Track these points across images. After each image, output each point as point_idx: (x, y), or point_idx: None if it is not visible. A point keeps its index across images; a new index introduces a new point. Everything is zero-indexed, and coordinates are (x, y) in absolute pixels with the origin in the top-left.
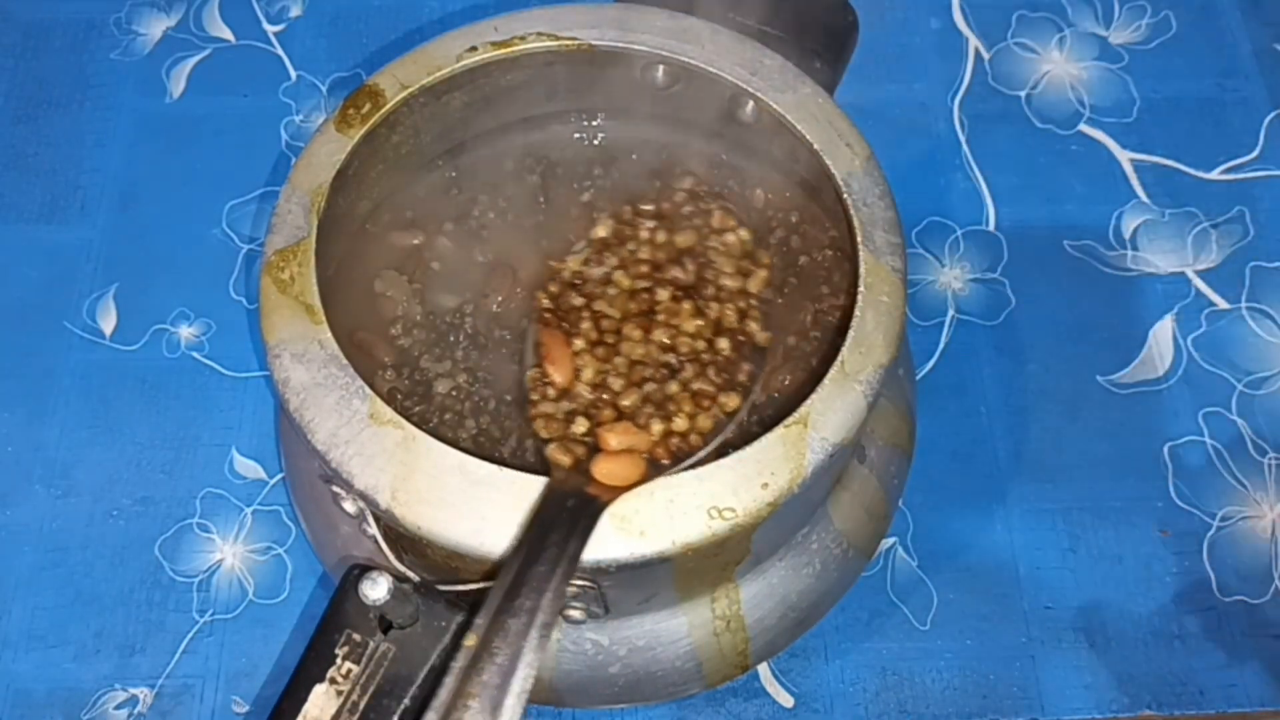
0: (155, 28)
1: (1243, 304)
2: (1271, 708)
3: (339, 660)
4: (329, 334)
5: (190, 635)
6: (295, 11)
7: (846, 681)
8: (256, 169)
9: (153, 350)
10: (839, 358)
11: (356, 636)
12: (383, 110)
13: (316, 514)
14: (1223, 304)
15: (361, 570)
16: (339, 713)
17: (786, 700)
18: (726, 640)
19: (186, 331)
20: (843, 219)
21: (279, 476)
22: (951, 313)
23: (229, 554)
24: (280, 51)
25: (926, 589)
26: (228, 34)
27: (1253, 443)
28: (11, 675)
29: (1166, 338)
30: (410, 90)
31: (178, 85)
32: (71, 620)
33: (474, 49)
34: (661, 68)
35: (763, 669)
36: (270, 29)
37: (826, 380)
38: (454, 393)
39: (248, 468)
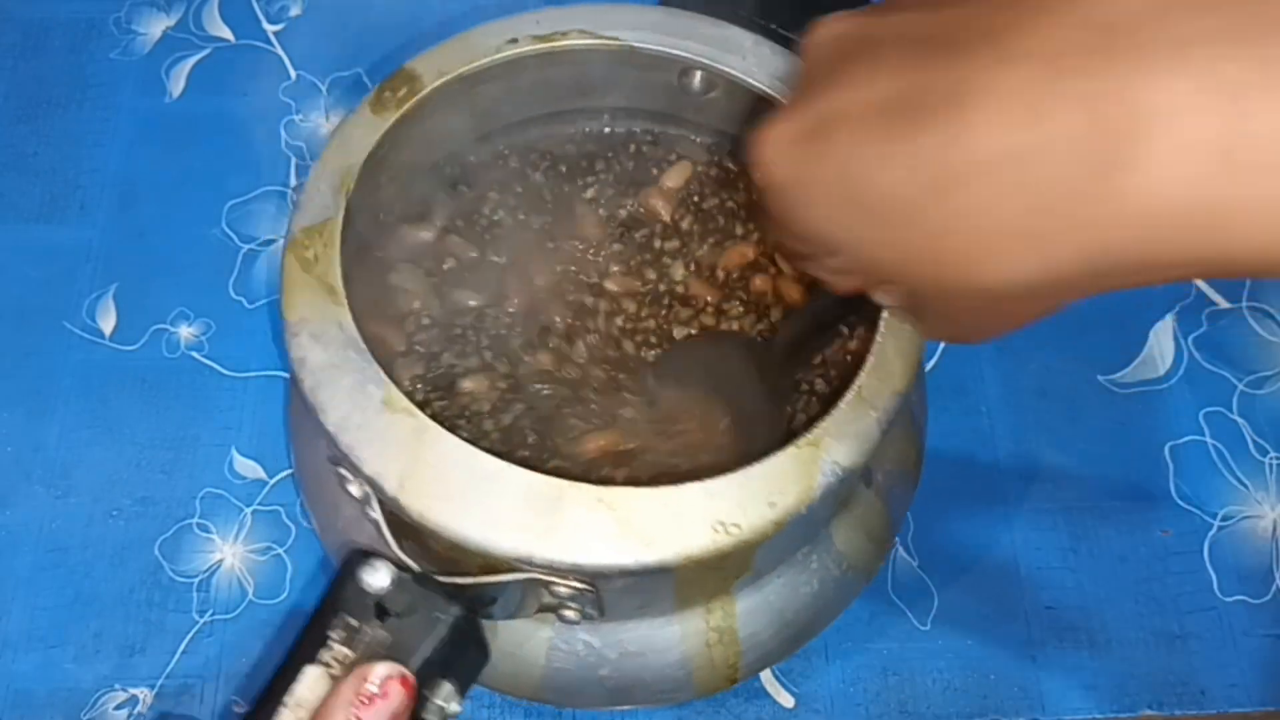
0: (155, 27)
1: (1244, 303)
2: (1272, 708)
3: (333, 643)
4: (349, 317)
5: (190, 635)
6: (295, 11)
7: (847, 682)
8: (256, 169)
9: (152, 350)
10: (856, 382)
11: (353, 621)
12: (418, 95)
13: (323, 498)
14: (1224, 303)
15: (363, 556)
16: (329, 695)
17: (787, 701)
18: (718, 652)
19: (186, 331)
20: None
21: (279, 476)
22: None
23: (229, 554)
24: (280, 51)
25: (927, 589)
26: (227, 33)
27: (1254, 442)
28: (11, 675)
29: (1167, 337)
30: (447, 77)
31: (177, 85)
32: (71, 620)
33: (515, 40)
34: (699, 74)
35: (763, 670)
36: (270, 28)
37: (842, 404)
38: (478, 390)
39: (248, 468)
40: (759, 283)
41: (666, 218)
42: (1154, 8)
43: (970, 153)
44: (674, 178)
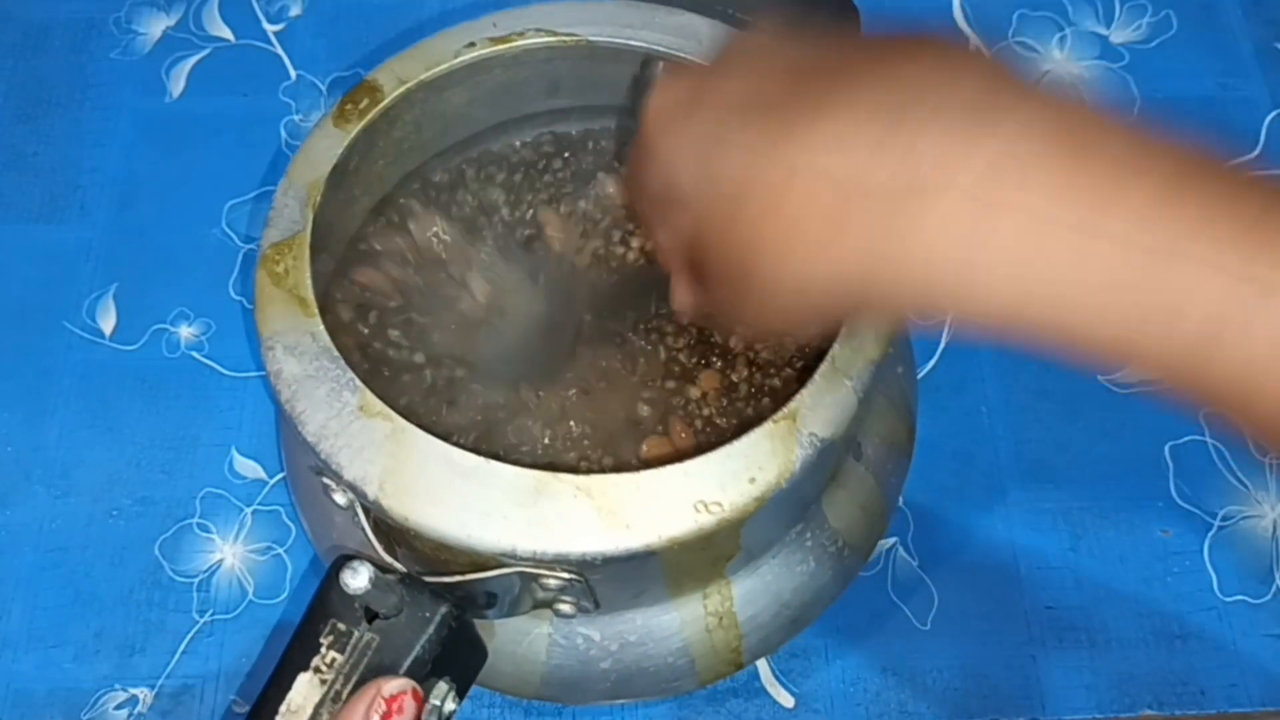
0: (155, 27)
1: None
2: (1272, 708)
3: (323, 649)
4: (321, 327)
5: (190, 635)
6: (295, 11)
7: (847, 681)
8: (256, 169)
9: (152, 350)
10: (829, 353)
11: (341, 626)
12: (380, 105)
13: (313, 505)
14: None
15: (345, 559)
16: (322, 701)
17: (787, 700)
18: (719, 637)
19: (186, 331)
20: None
21: (279, 476)
22: None
23: (229, 554)
24: (280, 51)
25: (927, 589)
26: (227, 33)
27: (1254, 442)
28: (11, 675)
29: None
30: (408, 86)
31: (177, 85)
32: (71, 620)
33: (472, 45)
34: (660, 65)
35: (763, 669)
36: (270, 28)
37: (816, 376)
38: (440, 384)
39: (248, 468)
40: None
41: (623, 200)
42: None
43: (804, 153)
44: None
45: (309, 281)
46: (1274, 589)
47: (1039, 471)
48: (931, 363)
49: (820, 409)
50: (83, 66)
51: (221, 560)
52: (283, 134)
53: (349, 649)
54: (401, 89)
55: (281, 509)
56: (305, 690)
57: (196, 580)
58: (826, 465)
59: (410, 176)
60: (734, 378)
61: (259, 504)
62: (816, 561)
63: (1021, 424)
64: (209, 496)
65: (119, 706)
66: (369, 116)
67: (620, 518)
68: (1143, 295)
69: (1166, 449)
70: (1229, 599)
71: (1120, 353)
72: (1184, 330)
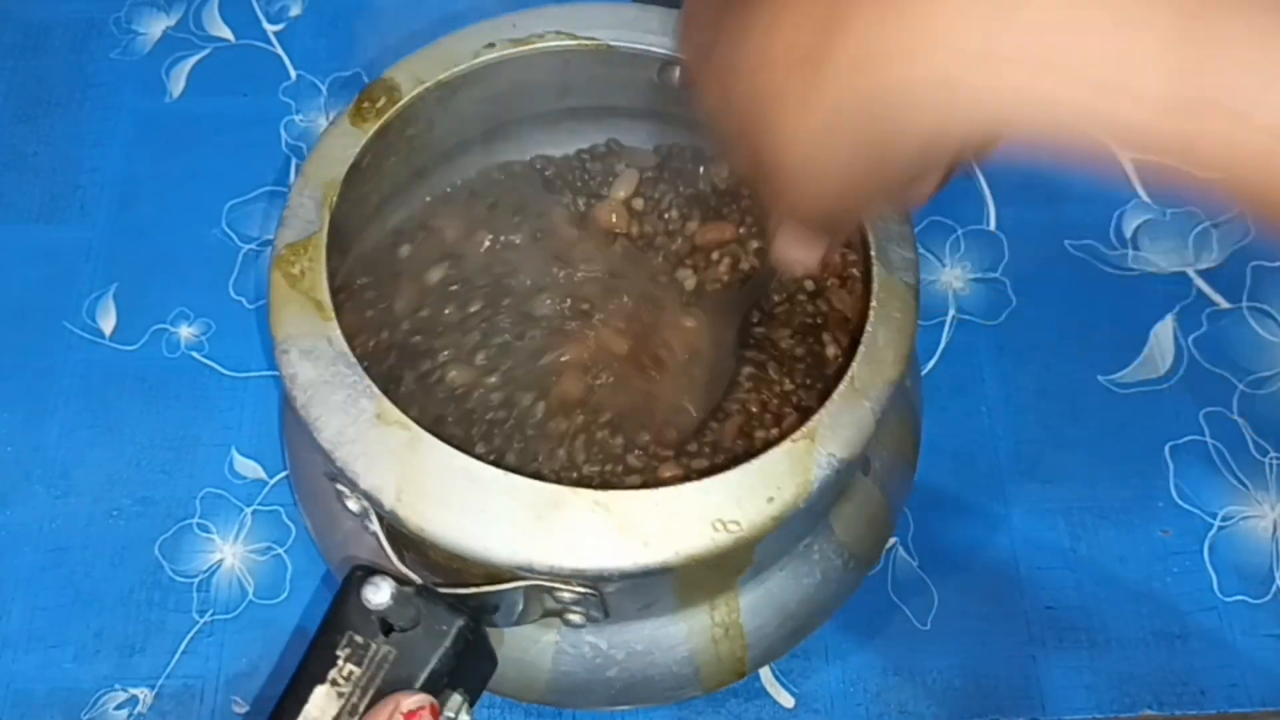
0: (155, 27)
1: (1244, 304)
2: (1272, 708)
3: (340, 662)
4: (338, 331)
5: (190, 635)
6: (295, 11)
7: (847, 682)
8: (256, 169)
9: (152, 350)
10: (849, 373)
11: (358, 638)
12: (399, 105)
13: (319, 510)
14: (1224, 304)
15: (365, 573)
16: (339, 714)
17: (787, 701)
18: (724, 647)
19: (186, 331)
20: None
21: (279, 476)
22: (952, 312)
23: (229, 554)
24: (280, 51)
25: (927, 589)
26: (227, 33)
27: (1254, 442)
28: (11, 675)
29: (1167, 337)
30: (426, 85)
31: (177, 85)
32: (71, 620)
33: (492, 45)
34: (678, 69)
35: (763, 670)
36: (270, 28)
37: (835, 396)
38: (468, 393)
39: (248, 468)
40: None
41: (623, 227)
42: None
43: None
44: (624, 187)
45: (325, 284)
46: (1274, 589)
47: (1039, 471)
48: (932, 363)
49: (839, 429)
50: (83, 66)
51: (221, 560)
52: (283, 134)
53: (366, 661)
54: (419, 88)
55: (282, 509)
56: (322, 703)
57: (196, 580)
58: (841, 483)
59: (419, 174)
60: (754, 413)
61: (259, 504)
62: (823, 574)
63: (1021, 424)
64: (209, 496)
65: (119, 706)
66: (386, 116)
67: (638, 534)
68: (1196, 93)
69: (1166, 449)
70: (1229, 599)
71: (1173, 154)
72: (1252, 132)
